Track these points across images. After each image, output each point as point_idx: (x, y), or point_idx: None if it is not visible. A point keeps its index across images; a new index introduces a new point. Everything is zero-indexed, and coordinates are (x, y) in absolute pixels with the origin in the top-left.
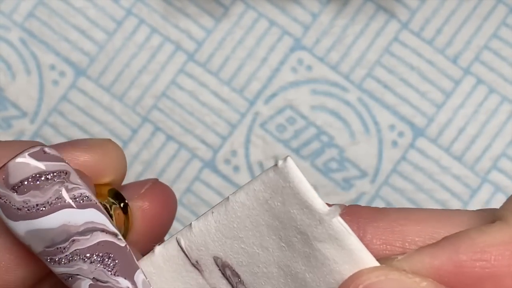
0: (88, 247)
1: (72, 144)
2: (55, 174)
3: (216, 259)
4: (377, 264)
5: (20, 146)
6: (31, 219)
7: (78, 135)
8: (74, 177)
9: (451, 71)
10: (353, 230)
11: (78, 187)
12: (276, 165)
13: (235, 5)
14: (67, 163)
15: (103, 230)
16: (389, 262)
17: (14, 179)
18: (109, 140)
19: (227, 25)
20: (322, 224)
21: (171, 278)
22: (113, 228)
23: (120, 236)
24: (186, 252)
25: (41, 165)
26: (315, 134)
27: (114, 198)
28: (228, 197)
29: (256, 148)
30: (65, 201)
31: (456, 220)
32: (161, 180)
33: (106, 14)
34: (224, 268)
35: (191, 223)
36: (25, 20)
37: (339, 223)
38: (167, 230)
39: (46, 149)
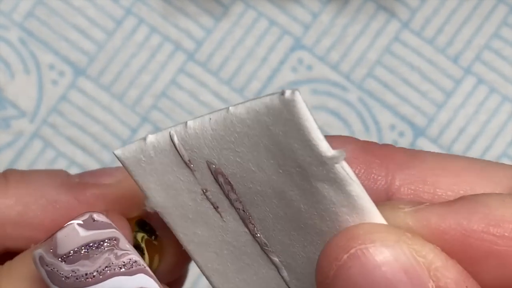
0: None
1: (97, 176)
2: (104, 242)
3: (209, 164)
4: (377, 216)
5: (47, 176)
6: (79, 287)
7: (78, 135)
8: (123, 242)
9: (452, 70)
10: (381, 175)
11: (127, 253)
12: (282, 94)
13: (235, 4)
14: (115, 228)
15: None
16: (395, 212)
17: (62, 249)
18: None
19: (227, 24)
20: (324, 166)
21: (161, 170)
22: None
23: None
24: (179, 150)
25: (91, 235)
26: None
27: (142, 228)
28: (229, 108)
29: None
30: (114, 269)
31: (496, 174)
32: None
33: (105, 14)
34: (217, 174)
35: (186, 122)
36: (25, 20)
37: (342, 169)
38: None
39: (95, 216)
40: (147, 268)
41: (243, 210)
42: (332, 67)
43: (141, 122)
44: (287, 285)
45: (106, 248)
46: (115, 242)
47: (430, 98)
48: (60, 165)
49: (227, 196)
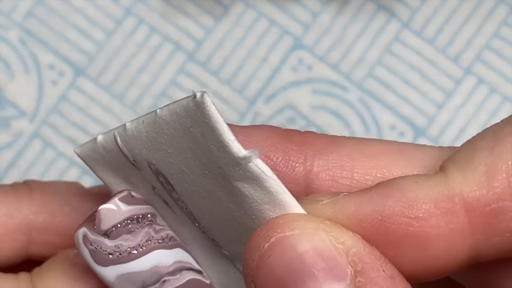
0: (178, 286)
1: None
2: (143, 217)
3: (150, 164)
4: (298, 208)
5: (68, 186)
6: (122, 263)
7: (78, 135)
8: (159, 219)
9: (452, 70)
10: (299, 162)
11: (164, 228)
12: (194, 96)
13: (235, 4)
14: (152, 206)
15: (190, 269)
16: (314, 204)
17: (106, 224)
18: None
19: (227, 24)
20: (239, 167)
21: (116, 166)
22: (197, 266)
23: (205, 274)
24: (122, 150)
25: (132, 209)
26: None
27: None
28: (156, 111)
29: None
30: (155, 243)
31: (414, 156)
32: None
33: (105, 14)
34: (157, 174)
35: (125, 124)
36: (24, 20)
37: (257, 167)
38: None
39: (133, 193)
40: (183, 244)
41: (186, 209)
42: (332, 67)
43: None
44: (242, 275)
45: (146, 222)
46: (152, 217)
47: (430, 98)
48: (60, 165)
49: (170, 195)
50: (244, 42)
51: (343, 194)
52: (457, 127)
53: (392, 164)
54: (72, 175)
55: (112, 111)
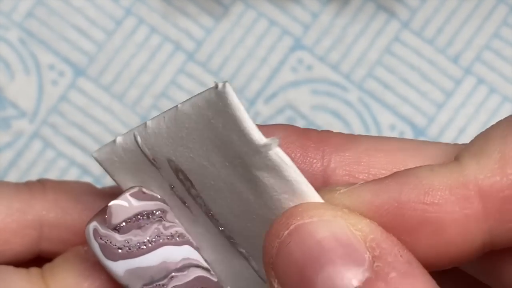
0: (186, 282)
1: None
2: (154, 213)
3: (169, 161)
4: (316, 197)
5: (80, 185)
6: (131, 257)
7: (78, 135)
8: (170, 215)
9: (452, 71)
10: (317, 158)
11: (174, 225)
12: (216, 87)
13: (235, 4)
14: (163, 202)
15: (197, 266)
16: (332, 194)
17: (117, 219)
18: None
19: (227, 24)
20: (259, 155)
21: (133, 168)
22: (205, 264)
23: (212, 272)
24: (142, 150)
25: (142, 205)
26: None
27: None
28: (178, 105)
29: None
30: (164, 239)
31: (430, 152)
32: None
33: (105, 14)
34: (177, 171)
35: (146, 122)
36: (24, 20)
37: (277, 156)
38: None
39: (144, 190)
40: (192, 241)
41: (205, 205)
42: (332, 67)
43: (141, 122)
44: (257, 274)
45: (156, 218)
46: (163, 213)
47: (430, 98)
48: (60, 165)
49: (189, 192)
50: (244, 42)
51: (360, 183)
52: (457, 127)
53: (408, 160)
54: (72, 175)
55: (112, 111)
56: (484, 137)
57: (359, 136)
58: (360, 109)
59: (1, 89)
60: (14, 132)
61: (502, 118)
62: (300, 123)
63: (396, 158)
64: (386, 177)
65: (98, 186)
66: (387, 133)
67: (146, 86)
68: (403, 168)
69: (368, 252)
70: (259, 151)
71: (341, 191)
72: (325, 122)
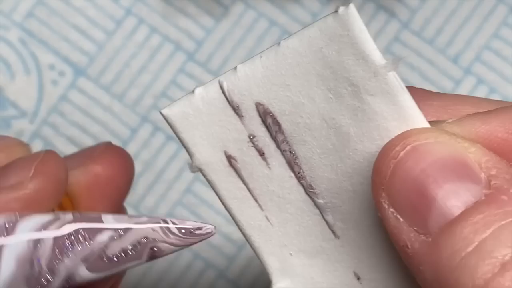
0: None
1: (8, 177)
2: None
3: (258, 106)
4: (427, 125)
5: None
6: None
7: (78, 135)
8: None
9: (452, 71)
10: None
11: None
12: (336, 11)
13: (235, 4)
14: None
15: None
16: (440, 124)
17: None
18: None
19: (227, 24)
20: (377, 77)
21: (208, 121)
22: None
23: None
24: (228, 96)
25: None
26: None
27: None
28: (280, 42)
29: None
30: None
31: None
32: (160, 179)
33: (105, 14)
34: (265, 115)
35: (236, 66)
36: (25, 20)
37: (394, 78)
38: (126, 194)
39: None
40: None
41: (290, 151)
42: None
43: (141, 122)
44: (330, 229)
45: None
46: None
47: None
48: None
49: (274, 138)
50: (244, 42)
51: (467, 114)
52: None
53: (488, 114)
54: None
55: (112, 111)
56: None
57: (441, 93)
58: None
59: (1, 89)
60: (14, 132)
61: None
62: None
63: (481, 107)
64: (494, 110)
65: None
66: None
67: (146, 86)
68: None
69: (483, 173)
70: (378, 72)
71: (449, 121)
72: None
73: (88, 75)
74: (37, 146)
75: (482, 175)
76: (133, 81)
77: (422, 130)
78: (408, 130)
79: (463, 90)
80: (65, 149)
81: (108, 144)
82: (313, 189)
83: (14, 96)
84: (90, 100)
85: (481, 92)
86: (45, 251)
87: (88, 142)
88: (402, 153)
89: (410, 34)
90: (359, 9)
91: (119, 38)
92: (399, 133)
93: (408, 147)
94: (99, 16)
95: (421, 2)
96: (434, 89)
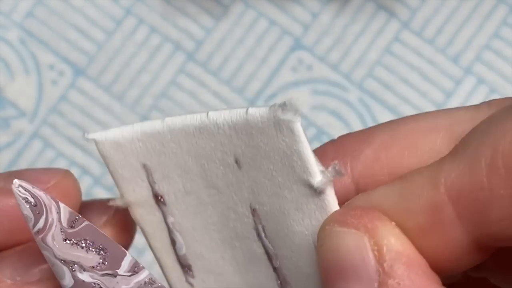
0: None
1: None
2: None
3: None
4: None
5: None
6: None
7: (77, 135)
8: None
9: (452, 71)
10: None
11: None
12: (281, 109)
13: (235, 4)
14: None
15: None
16: (349, 207)
17: None
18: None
19: (226, 24)
20: (315, 195)
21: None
22: None
23: None
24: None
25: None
26: (315, 134)
27: None
28: (208, 112)
29: None
30: None
31: (439, 126)
32: None
33: (105, 14)
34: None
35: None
36: (24, 20)
37: (328, 199)
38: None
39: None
40: None
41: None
42: (332, 67)
43: (141, 122)
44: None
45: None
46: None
47: (430, 98)
48: (60, 165)
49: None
50: (244, 42)
51: (379, 188)
52: None
53: (423, 144)
54: None
55: (112, 111)
56: (466, 136)
57: (373, 129)
58: (360, 109)
59: (1, 89)
60: (14, 132)
61: None
62: (300, 123)
63: (411, 144)
64: (390, 184)
65: (98, 185)
66: None
67: (146, 86)
68: (419, 153)
69: (379, 270)
70: (314, 191)
71: (360, 198)
72: (325, 122)
73: (87, 75)
74: (36, 146)
75: (378, 273)
76: (133, 81)
77: (337, 217)
78: (333, 213)
79: (463, 90)
80: (65, 149)
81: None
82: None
83: (14, 96)
84: (90, 100)
85: (481, 92)
86: None
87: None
88: (322, 234)
89: (410, 34)
90: (359, 9)
91: (119, 38)
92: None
93: (325, 232)
94: (98, 16)
95: (421, 2)
96: (434, 89)
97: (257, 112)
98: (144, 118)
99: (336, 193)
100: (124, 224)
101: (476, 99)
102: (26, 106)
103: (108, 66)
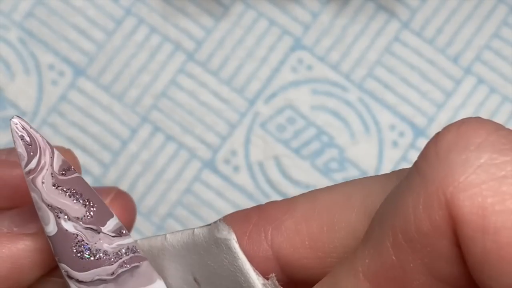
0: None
1: (24, 224)
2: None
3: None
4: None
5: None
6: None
7: (77, 135)
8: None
9: (452, 71)
10: (260, 239)
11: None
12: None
13: (235, 4)
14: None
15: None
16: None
17: None
18: None
19: (227, 24)
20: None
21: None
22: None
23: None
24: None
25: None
26: (315, 134)
27: None
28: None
29: (256, 148)
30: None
31: (358, 200)
32: (160, 180)
33: (105, 14)
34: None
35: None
36: (24, 20)
37: None
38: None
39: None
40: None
41: None
42: (332, 67)
43: (141, 122)
44: None
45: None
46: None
47: (430, 98)
48: None
49: None
50: (244, 42)
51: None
52: None
53: (339, 215)
54: None
55: (112, 111)
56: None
57: (295, 199)
58: (360, 109)
59: (1, 89)
60: None
61: (502, 118)
62: (300, 123)
63: (329, 219)
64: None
65: (98, 186)
66: (387, 133)
67: (146, 86)
68: (336, 227)
69: None
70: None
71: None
72: (325, 122)
73: (87, 75)
74: None
75: None
76: (133, 81)
77: None
78: None
79: (463, 90)
80: None
81: (118, 192)
82: None
83: (14, 96)
84: (90, 100)
85: (481, 92)
86: None
87: (88, 142)
88: None
89: (410, 34)
90: (359, 9)
91: (119, 38)
92: None
93: None
94: (98, 16)
95: (421, 2)
96: (434, 89)
97: (201, 232)
98: (144, 118)
99: (257, 264)
100: (125, 206)
101: (476, 99)
102: (26, 106)
103: (108, 66)
